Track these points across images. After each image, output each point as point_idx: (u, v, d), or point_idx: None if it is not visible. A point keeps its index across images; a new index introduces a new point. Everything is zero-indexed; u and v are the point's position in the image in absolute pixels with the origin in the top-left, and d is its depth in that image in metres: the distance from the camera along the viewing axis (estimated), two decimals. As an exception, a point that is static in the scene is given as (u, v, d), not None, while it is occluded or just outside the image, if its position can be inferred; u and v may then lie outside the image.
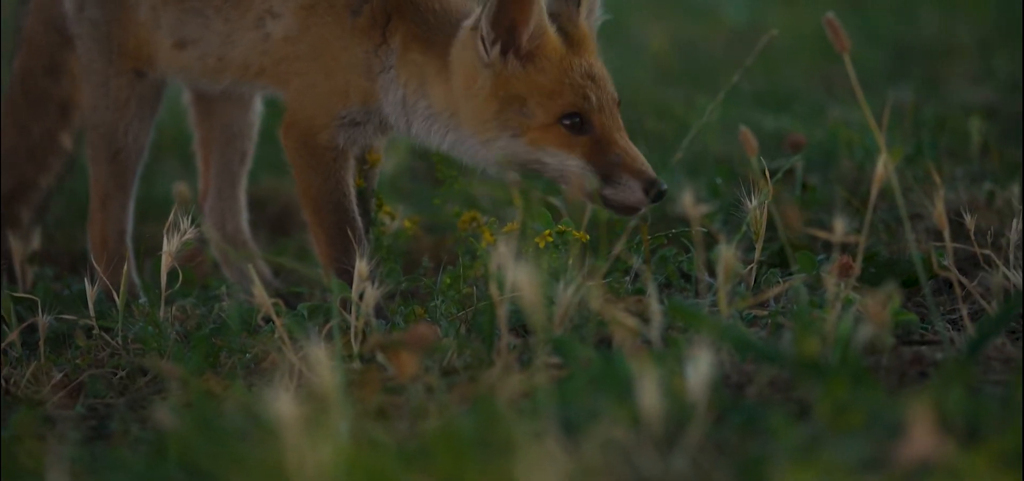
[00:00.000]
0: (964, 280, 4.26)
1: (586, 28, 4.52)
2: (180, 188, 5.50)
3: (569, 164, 4.43)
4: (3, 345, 4.47)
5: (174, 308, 4.73)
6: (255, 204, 6.08)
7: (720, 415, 3.35)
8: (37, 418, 3.98)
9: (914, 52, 9.35)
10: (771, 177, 4.47)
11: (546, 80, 4.43)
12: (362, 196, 4.76)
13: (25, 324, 4.59)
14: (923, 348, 4.02)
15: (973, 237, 4.41)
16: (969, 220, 4.36)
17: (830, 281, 4.02)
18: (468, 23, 4.48)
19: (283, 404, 3.08)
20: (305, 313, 4.48)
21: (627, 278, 4.64)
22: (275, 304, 4.15)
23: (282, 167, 6.72)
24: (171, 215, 4.44)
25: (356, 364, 4.12)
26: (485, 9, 4.42)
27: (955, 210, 4.75)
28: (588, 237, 4.52)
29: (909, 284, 4.71)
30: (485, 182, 6.10)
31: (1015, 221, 4.37)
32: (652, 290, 4.06)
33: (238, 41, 4.72)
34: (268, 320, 4.32)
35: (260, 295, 4.05)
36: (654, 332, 3.87)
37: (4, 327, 4.61)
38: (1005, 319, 3.84)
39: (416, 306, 4.56)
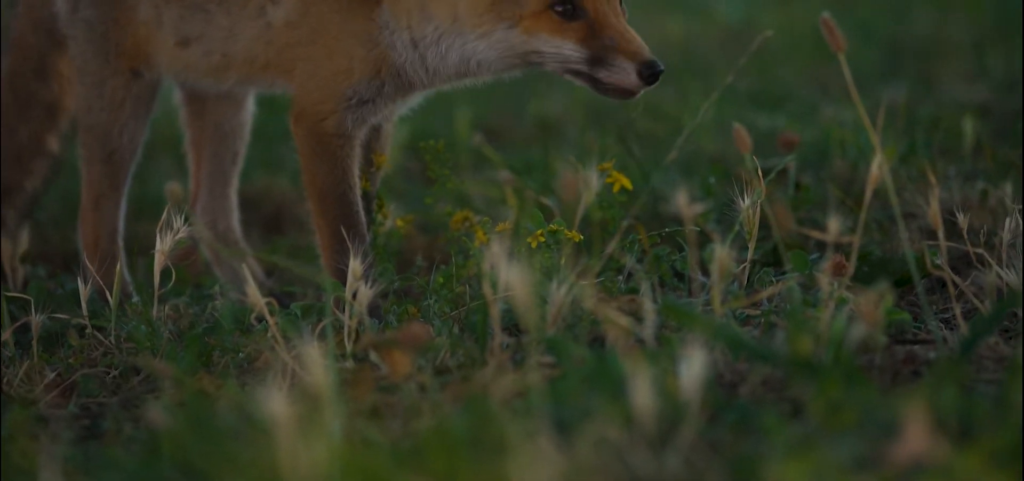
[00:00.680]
0: (957, 279, 4.26)
1: None
2: (173, 187, 5.49)
3: (565, 50, 4.43)
4: (-3, 344, 4.47)
5: (167, 307, 4.72)
6: (248, 203, 6.09)
7: (713, 414, 3.35)
8: (30, 417, 3.97)
9: (907, 51, 9.36)
10: (764, 176, 4.48)
11: None
12: (366, 197, 4.76)
13: (18, 323, 4.59)
14: (916, 347, 4.02)
15: (966, 236, 4.41)
16: (962, 219, 4.37)
17: (823, 280, 4.03)
18: None
19: (276, 403, 3.08)
20: (298, 312, 4.48)
21: (620, 277, 4.64)
22: (268, 303, 4.15)
23: (276, 166, 6.74)
24: (164, 214, 4.44)
25: (349, 363, 4.12)
26: None
27: (948, 209, 4.75)
28: (581, 237, 4.52)
29: (902, 283, 4.71)
30: (478, 181, 6.11)
31: (1008, 220, 4.38)
32: (645, 289, 4.07)
33: (241, 34, 4.71)
34: (261, 319, 4.31)
35: (253, 294, 4.05)
36: (647, 331, 3.87)
37: (-3, 326, 4.61)
38: (998, 318, 3.85)
39: (409, 305, 4.56)
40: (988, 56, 8.65)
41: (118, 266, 4.67)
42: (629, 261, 4.58)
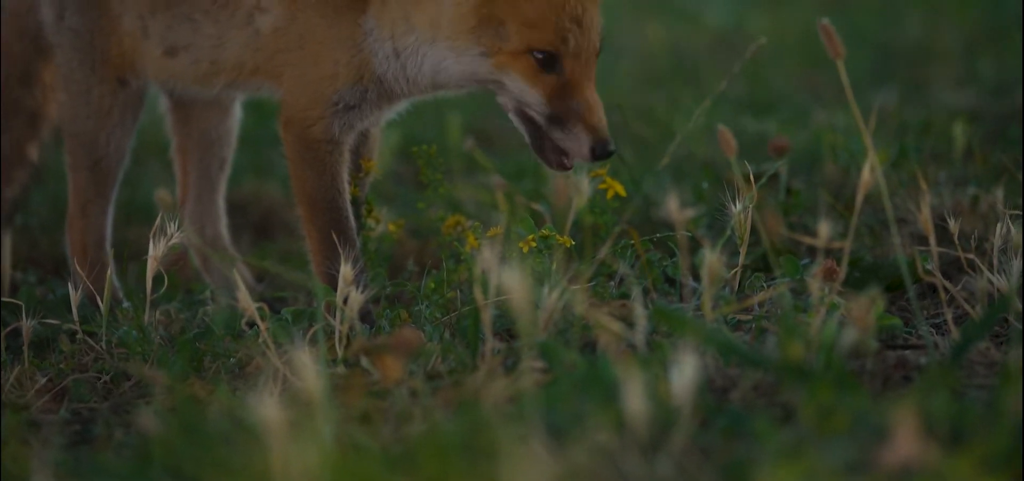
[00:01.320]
0: (948, 285, 4.27)
1: None
2: (162, 194, 5.48)
3: (529, 97, 4.42)
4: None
5: (158, 313, 4.72)
6: (238, 208, 6.08)
7: (705, 419, 3.35)
8: (21, 423, 3.97)
9: (898, 55, 9.36)
10: (755, 181, 4.48)
11: (531, 9, 4.40)
12: (355, 203, 4.76)
13: (9, 328, 4.58)
14: (907, 352, 4.02)
15: (957, 241, 4.42)
16: (953, 224, 4.37)
17: (814, 285, 4.03)
18: None
19: (268, 408, 3.07)
20: (289, 317, 4.47)
21: (611, 282, 4.64)
22: (259, 308, 4.15)
23: (265, 171, 6.74)
24: (157, 220, 4.43)
25: (341, 368, 4.12)
26: None
27: (939, 214, 4.76)
28: (572, 242, 4.52)
29: (893, 288, 4.71)
30: (469, 186, 6.11)
31: (999, 225, 4.38)
32: (637, 294, 4.07)
33: (229, 42, 4.70)
34: (252, 324, 4.31)
35: (244, 299, 4.05)
36: (639, 336, 3.87)
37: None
38: (989, 324, 3.85)
39: (401, 310, 4.56)
40: (978, 60, 8.66)
41: (108, 271, 4.67)
42: (621, 266, 4.58)
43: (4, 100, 5.14)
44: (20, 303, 4.59)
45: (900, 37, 9.94)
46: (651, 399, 3.22)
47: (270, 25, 4.65)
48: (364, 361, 3.96)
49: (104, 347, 4.43)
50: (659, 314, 3.94)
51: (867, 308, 3.68)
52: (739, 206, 4.39)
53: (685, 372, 3.21)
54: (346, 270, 4.16)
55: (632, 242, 4.60)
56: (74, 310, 4.49)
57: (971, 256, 4.40)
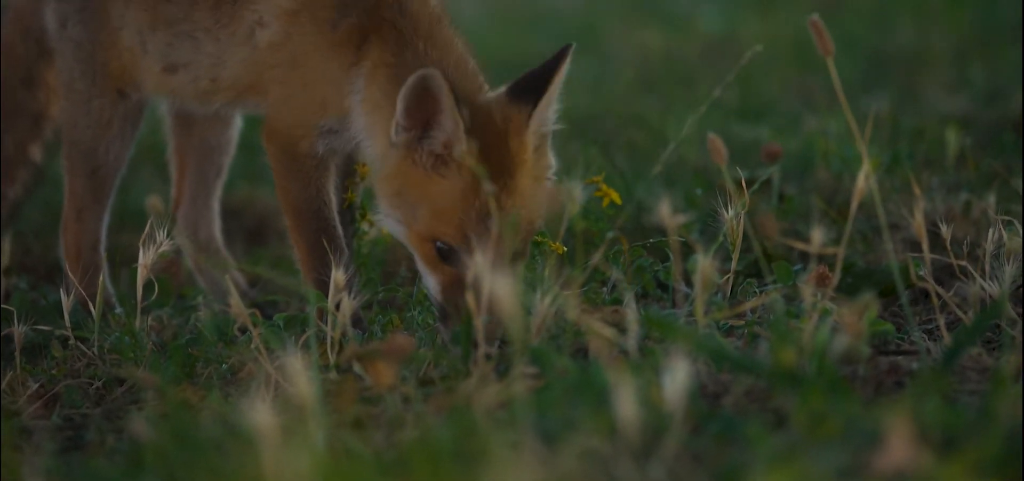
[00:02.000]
0: (941, 290, 4.27)
1: (527, 142, 4.30)
2: (154, 200, 5.48)
3: (428, 282, 4.35)
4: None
5: (150, 318, 4.71)
6: (231, 214, 6.08)
7: (697, 425, 3.35)
8: (13, 428, 3.96)
9: (890, 61, 9.37)
10: (748, 187, 4.48)
11: (439, 197, 4.27)
12: (349, 208, 4.75)
13: (1, 334, 4.57)
14: (900, 358, 4.03)
15: (950, 247, 4.42)
16: (946, 230, 4.37)
17: (807, 291, 4.03)
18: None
19: (260, 414, 3.07)
20: (281, 323, 4.47)
21: (604, 288, 4.64)
22: (251, 314, 4.15)
23: (258, 177, 6.73)
24: (147, 227, 4.42)
25: (333, 374, 4.11)
26: (403, 93, 4.24)
27: (932, 220, 4.77)
28: (565, 248, 4.52)
29: (886, 294, 4.72)
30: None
31: (991, 231, 4.38)
32: (629, 300, 4.06)
33: (229, 60, 4.67)
34: (244, 330, 4.30)
35: (236, 305, 4.04)
36: (631, 342, 3.87)
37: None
38: (981, 329, 3.85)
39: (393, 316, 4.56)
40: (970, 66, 8.67)
41: (101, 277, 4.67)
42: (613, 272, 4.58)
43: (7, 101, 5.14)
44: (12, 309, 4.59)
45: (892, 43, 9.95)
46: (643, 405, 3.22)
47: (267, 40, 4.61)
48: (356, 367, 3.95)
49: (96, 353, 4.43)
50: (651, 320, 3.94)
51: (859, 314, 3.69)
52: (731, 212, 4.38)
53: (677, 378, 3.21)
54: (338, 276, 4.15)
55: (624, 249, 4.60)
56: (66, 316, 4.49)
57: (963, 262, 4.40)
